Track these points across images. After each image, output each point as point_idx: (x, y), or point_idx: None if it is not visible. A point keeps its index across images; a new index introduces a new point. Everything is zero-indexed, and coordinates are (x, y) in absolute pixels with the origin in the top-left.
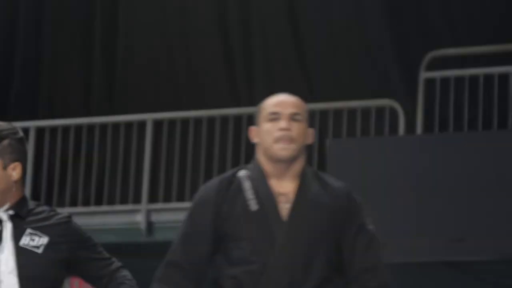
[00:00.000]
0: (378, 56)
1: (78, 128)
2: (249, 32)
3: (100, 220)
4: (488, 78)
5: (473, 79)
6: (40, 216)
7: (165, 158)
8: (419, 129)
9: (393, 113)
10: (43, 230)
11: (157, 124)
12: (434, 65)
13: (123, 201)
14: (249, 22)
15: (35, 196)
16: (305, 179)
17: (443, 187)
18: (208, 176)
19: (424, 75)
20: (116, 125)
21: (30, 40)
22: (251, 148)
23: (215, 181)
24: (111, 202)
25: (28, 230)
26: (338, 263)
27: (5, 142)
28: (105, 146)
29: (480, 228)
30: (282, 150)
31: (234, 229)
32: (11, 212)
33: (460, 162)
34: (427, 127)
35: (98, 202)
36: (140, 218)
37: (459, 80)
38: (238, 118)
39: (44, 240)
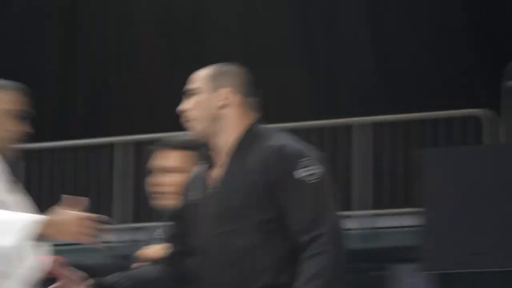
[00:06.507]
0: (462, 67)
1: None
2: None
3: None
4: None
5: None
6: None
7: None
8: (502, 137)
9: (477, 122)
10: None
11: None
12: None
13: None
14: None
15: None
16: (233, 157)
17: None
18: None
19: (507, 84)
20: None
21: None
22: None
23: None
24: None
25: None
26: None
27: None
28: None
29: None
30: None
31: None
32: None
33: None
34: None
35: None
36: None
37: None
38: None
39: None
